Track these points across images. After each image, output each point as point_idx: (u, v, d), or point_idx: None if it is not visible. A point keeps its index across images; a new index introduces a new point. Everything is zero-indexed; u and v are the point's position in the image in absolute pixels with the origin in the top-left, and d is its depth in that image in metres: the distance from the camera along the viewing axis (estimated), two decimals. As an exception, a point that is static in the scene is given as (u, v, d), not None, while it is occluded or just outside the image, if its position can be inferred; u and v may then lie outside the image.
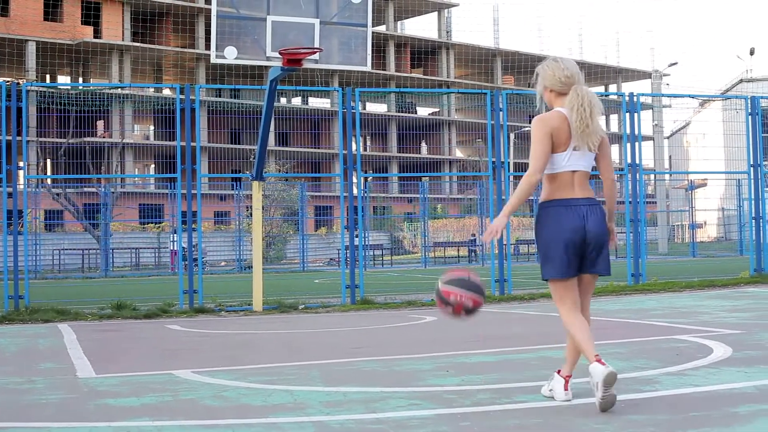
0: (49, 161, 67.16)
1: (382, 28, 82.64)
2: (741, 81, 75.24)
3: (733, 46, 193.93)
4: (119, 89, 65.51)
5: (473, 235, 49.54)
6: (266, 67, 14.93)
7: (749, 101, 20.00)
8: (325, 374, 7.87)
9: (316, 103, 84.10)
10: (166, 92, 73.67)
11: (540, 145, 6.06)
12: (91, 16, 70.37)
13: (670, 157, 77.88)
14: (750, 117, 19.91)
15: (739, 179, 43.04)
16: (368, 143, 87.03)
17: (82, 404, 6.68)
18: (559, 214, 6.08)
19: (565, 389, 6.17)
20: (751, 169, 19.80)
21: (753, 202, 20.01)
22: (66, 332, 12.63)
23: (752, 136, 19.84)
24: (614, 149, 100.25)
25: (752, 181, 19.92)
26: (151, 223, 54.20)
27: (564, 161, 6.10)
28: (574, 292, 6.16)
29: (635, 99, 19.10)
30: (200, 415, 6.12)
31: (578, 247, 6.05)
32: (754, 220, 19.96)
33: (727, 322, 11.23)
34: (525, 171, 6.17)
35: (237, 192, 43.56)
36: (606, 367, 5.74)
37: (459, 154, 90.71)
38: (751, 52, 77.50)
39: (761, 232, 19.85)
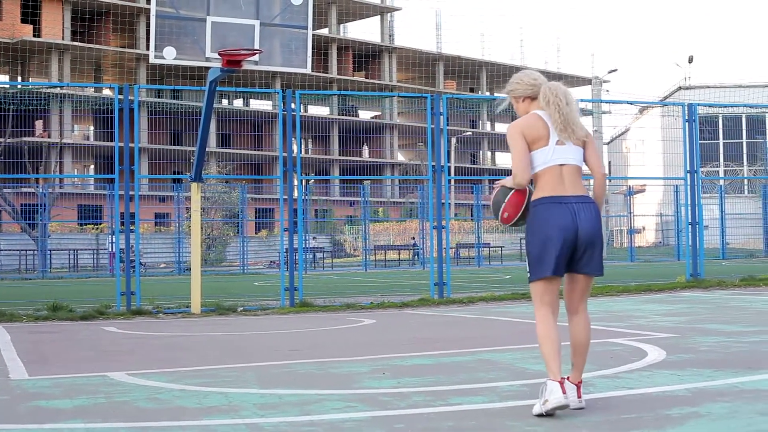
0: (-15, 161, 66.31)
1: (324, 31, 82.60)
2: (680, 88, 76.05)
3: (672, 53, 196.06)
4: (58, 88, 64.85)
5: (413, 238, 49.64)
6: (207, 68, 14.86)
7: (686, 108, 20.23)
8: (261, 377, 7.84)
9: (258, 105, 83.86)
10: (106, 92, 73.04)
11: (514, 147, 6.03)
12: (30, 14, 69.61)
13: (609, 162, 78.52)
14: (687, 124, 20.13)
15: (676, 185, 43.51)
16: (310, 146, 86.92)
17: (14, 406, 6.60)
18: (548, 210, 5.94)
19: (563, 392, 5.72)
20: (688, 175, 20.02)
21: (690, 207, 20.23)
22: (0, 334, 12.47)
23: (689, 143, 20.06)
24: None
25: (689, 187, 20.14)
26: (90, 224, 53.72)
27: (548, 156, 5.99)
28: (554, 297, 6.00)
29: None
30: (134, 417, 6.06)
31: (567, 245, 5.89)
32: (690, 226, 20.17)
33: (662, 326, 11.34)
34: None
35: (177, 194, 43.27)
36: (564, 397, 5.64)
37: (400, 157, 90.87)
38: (690, 60, 78.42)
39: (697, 237, 20.07)
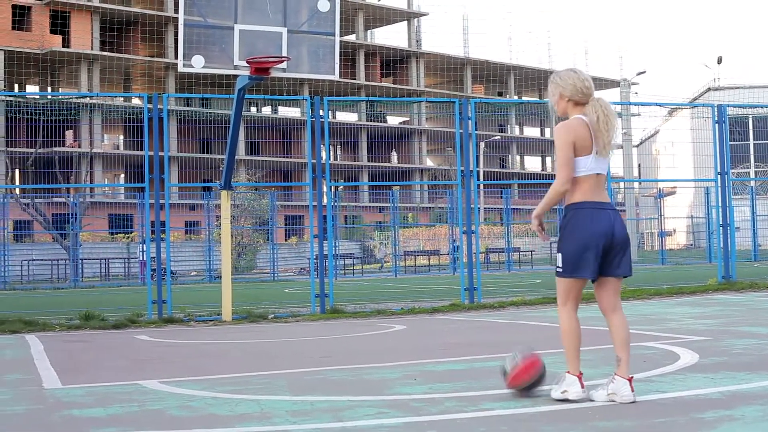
0: (17, 171, 66.78)
1: (352, 38, 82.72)
2: (709, 89, 75.75)
3: (701, 55, 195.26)
4: (88, 98, 65.24)
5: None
6: (235, 76, 14.90)
7: (716, 109, 20.12)
8: (293, 383, 7.84)
9: (286, 112, 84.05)
10: (136, 101, 73.42)
11: (566, 153, 6.27)
12: (60, 25, 70.07)
13: (639, 165, 78.29)
14: (717, 125, 20.02)
15: (707, 187, 43.30)
16: (339, 152, 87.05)
17: (48, 415, 6.63)
18: (594, 216, 6.28)
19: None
20: (719, 176, 19.91)
21: (721, 209, 20.12)
22: (33, 343, 12.54)
23: (719, 145, 19.95)
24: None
25: (720, 188, 20.03)
26: (121, 233, 53.97)
27: (589, 164, 6.31)
28: (579, 294, 6.44)
29: (603, 107, 19.13)
30: (167, 425, 6.08)
31: (605, 250, 6.28)
32: (722, 228, 20.06)
33: (694, 329, 11.28)
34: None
35: (207, 202, 43.43)
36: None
37: (429, 162, 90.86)
38: (719, 61, 78.08)
39: (729, 239, 19.95)
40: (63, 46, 69.77)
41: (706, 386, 6.85)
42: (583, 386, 6.27)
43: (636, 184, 61.93)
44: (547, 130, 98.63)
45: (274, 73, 14.15)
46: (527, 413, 6.07)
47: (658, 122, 77.00)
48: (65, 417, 6.52)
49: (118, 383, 8.23)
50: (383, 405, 6.53)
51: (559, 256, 6.37)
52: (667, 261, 43.48)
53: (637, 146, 77.62)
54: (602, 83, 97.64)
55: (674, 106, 44.63)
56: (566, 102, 6.43)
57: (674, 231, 65.11)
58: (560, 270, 6.36)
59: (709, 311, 14.27)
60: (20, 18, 69.56)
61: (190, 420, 6.23)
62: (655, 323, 12.43)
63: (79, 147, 66.27)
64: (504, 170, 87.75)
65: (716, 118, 20.02)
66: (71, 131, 71.66)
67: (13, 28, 68.80)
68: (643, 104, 26.12)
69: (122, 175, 77.15)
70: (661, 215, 49.02)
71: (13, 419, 6.50)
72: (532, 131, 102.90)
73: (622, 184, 58.94)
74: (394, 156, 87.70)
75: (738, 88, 71.12)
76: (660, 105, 25.32)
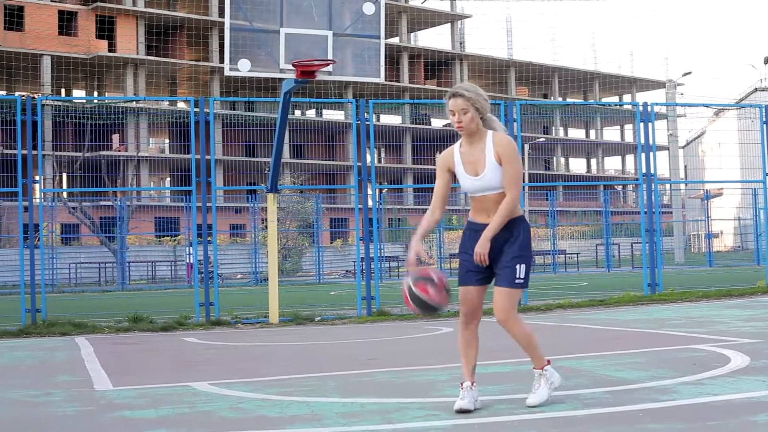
0: (65, 175, 67.42)
1: (395, 40, 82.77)
2: (755, 90, 75.04)
3: (747, 55, 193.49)
4: (134, 102, 65.71)
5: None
6: (280, 79, 14.97)
7: (764, 110, 19.95)
8: (342, 385, 7.87)
9: (331, 115, 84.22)
10: (181, 105, 73.85)
11: (521, 167, 6.46)
12: (106, 30, 70.66)
13: (685, 166, 77.74)
14: (765, 126, 19.84)
15: (755, 188, 42.93)
16: (383, 155, 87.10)
17: (99, 416, 6.70)
18: None
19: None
20: (767, 177, 19.74)
21: (769, 210, 19.94)
22: (83, 345, 12.65)
23: (767, 145, 19.78)
24: (629, 159, 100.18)
25: (767, 190, 19.86)
26: (167, 236, 54.29)
27: None
28: None
29: (649, 109, 19.06)
30: (217, 426, 6.12)
31: None
32: (770, 229, 19.89)
33: (744, 332, 11.19)
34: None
35: (252, 204, 43.59)
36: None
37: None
38: (765, 61, 77.32)
39: (778, 240, 19.77)
40: (109, 51, 70.33)
41: (758, 389, 6.79)
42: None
43: (682, 186, 61.51)
44: (592, 132, 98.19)
45: (319, 76, 14.20)
46: (578, 416, 6.05)
47: (705, 123, 76.41)
48: (116, 418, 6.58)
49: (168, 385, 8.30)
50: (432, 407, 6.54)
51: (523, 267, 6.42)
52: (715, 263, 43.12)
53: (684, 147, 77.08)
54: (647, 84, 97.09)
55: (721, 107, 44.28)
56: (479, 118, 6.43)
57: (721, 233, 64.53)
58: (522, 281, 6.45)
59: (759, 314, 14.15)
60: (67, 23, 70.18)
61: (240, 421, 6.27)
62: (703, 326, 12.34)
63: (126, 150, 66.75)
64: (549, 172, 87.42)
65: (764, 119, 19.85)
66: (117, 135, 72.21)
67: (60, 34, 69.42)
68: (689, 105, 25.91)
69: (168, 179, 77.60)
70: (707, 217, 48.66)
71: (65, 420, 6.57)
72: (576, 133, 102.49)
73: (668, 186, 58.57)
74: (439, 158, 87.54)
75: (785, 88, 70.54)
76: (706, 106, 25.16)
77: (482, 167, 6.40)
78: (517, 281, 6.40)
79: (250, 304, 20.56)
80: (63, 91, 73.63)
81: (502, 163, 6.35)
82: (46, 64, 66.93)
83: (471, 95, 6.36)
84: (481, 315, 6.68)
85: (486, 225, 6.35)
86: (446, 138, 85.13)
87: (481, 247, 6.35)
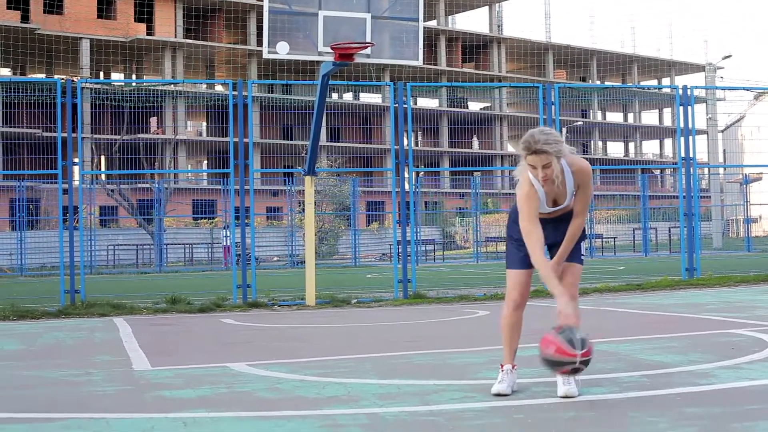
0: (103, 157, 67.79)
1: (433, 23, 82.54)
2: (797, 73, 74.26)
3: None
4: (172, 85, 65.95)
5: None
6: (318, 62, 14.98)
7: (805, 93, 19.77)
8: (379, 367, 7.90)
9: (368, 98, 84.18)
10: (219, 88, 74.04)
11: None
12: (144, 13, 70.94)
13: (724, 150, 77.17)
14: (806, 109, 19.67)
15: (794, 173, 42.55)
16: (419, 138, 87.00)
17: (139, 396, 6.76)
18: None
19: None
20: (808, 162, 19.58)
21: (809, 195, 19.77)
22: (121, 326, 12.76)
23: (808, 129, 19.60)
24: (668, 143, 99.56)
25: (808, 174, 19.69)
26: (204, 218, 54.53)
27: None
28: None
29: (689, 92, 18.95)
30: (255, 406, 6.17)
31: None
32: (810, 214, 19.74)
33: (783, 317, 11.13)
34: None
35: (289, 187, 43.71)
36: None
37: (510, 148, 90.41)
38: (807, 44, 76.49)
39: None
40: (147, 34, 70.58)
41: (797, 374, 6.76)
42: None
43: (721, 170, 61.06)
44: (630, 115, 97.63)
45: (357, 59, 14.18)
46: (614, 399, 6.05)
47: (744, 107, 75.79)
48: (156, 398, 6.64)
49: (206, 365, 8.36)
50: (469, 389, 6.56)
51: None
52: (753, 248, 42.80)
53: (723, 131, 76.48)
54: (687, 68, 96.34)
55: (761, 91, 43.94)
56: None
57: (760, 217, 64.01)
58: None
59: (798, 299, 14.07)
60: (106, 7, 70.48)
61: (278, 402, 6.31)
62: (742, 310, 12.28)
63: (164, 133, 67.04)
64: (586, 156, 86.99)
65: (805, 103, 19.67)
66: (155, 118, 72.50)
67: (99, 17, 69.72)
68: (729, 88, 25.68)
69: (205, 162, 77.84)
70: (746, 201, 48.27)
71: (104, 400, 6.64)
72: (614, 116, 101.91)
73: (706, 170, 58.17)
74: (475, 142, 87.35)
75: (827, 72, 69.81)
76: (747, 89, 24.91)
77: (563, 198, 6.46)
78: (582, 258, 6.66)
79: (286, 286, 20.64)
80: (102, 74, 73.99)
81: (579, 188, 6.42)
82: (85, 47, 67.25)
83: (552, 149, 6.15)
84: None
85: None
86: (483, 121, 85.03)
87: (571, 309, 6.36)
